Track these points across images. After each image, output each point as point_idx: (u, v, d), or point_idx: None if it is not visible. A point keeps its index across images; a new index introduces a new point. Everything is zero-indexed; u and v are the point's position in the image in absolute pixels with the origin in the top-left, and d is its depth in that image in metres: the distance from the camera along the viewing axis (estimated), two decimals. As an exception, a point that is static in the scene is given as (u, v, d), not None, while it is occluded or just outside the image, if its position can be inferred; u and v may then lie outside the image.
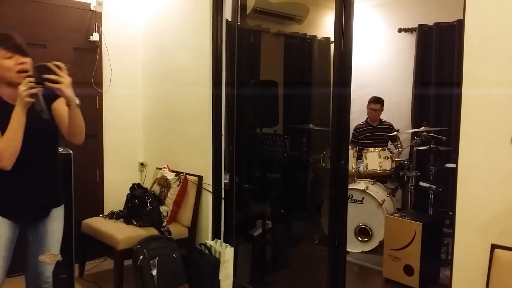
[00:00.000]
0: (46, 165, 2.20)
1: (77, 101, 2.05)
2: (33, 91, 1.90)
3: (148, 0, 4.05)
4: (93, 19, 3.86)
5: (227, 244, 3.29)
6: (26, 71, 2.01)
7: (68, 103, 2.00)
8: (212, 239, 3.43)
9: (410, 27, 5.14)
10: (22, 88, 1.90)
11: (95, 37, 3.84)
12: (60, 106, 2.13)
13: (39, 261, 2.20)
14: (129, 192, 3.57)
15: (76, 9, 3.79)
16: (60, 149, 2.97)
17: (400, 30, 5.22)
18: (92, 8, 3.85)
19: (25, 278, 2.30)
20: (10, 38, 2.03)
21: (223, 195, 3.47)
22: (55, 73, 1.93)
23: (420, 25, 5.01)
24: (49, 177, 2.22)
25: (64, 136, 2.18)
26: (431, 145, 4.06)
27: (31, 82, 1.90)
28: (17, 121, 1.93)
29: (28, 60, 2.05)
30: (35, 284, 2.26)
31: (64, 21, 3.73)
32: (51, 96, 2.08)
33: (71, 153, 2.99)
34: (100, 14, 3.89)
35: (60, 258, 2.29)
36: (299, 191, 4.58)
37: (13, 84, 2.00)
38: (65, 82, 1.94)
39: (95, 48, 3.88)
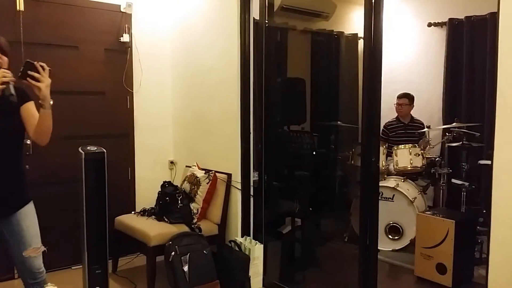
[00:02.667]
0: (12, 164, 2.26)
1: (51, 102, 2.18)
2: (6, 79, 2.06)
3: (177, 1, 4.11)
4: (123, 21, 3.94)
5: (257, 241, 3.31)
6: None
7: (42, 103, 2.14)
8: (242, 236, 3.46)
9: (440, 21, 5.03)
10: None
11: (125, 38, 3.92)
12: (29, 107, 2.27)
13: (24, 257, 2.26)
14: (160, 190, 3.63)
15: (106, 11, 3.87)
16: (94, 148, 3.08)
17: (429, 25, 5.12)
18: (122, 9, 3.93)
19: (19, 275, 2.38)
20: None
21: (252, 193, 3.49)
22: (38, 72, 2.09)
23: (451, 19, 4.90)
24: (15, 176, 2.28)
25: (30, 136, 2.28)
26: (464, 141, 3.97)
27: (5, 73, 2.06)
28: None
29: (5, 58, 2.19)
30: (30, 277, 2.32)
31: (95, 23, 3.82)
32: (23, 98, 2.22)
33: (104, 151, 3.06)
34: (130, 15, 3.96)
35: (44, 249, 2.33)
36: (328, 188, 4.55)
37: None
38: (45, 82, 2.11)
39: (126, 49, 3.95)
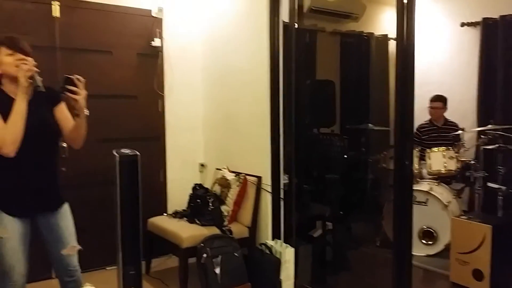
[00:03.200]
0: (49, 163, 2.35)
1: (86, 112, 2.28)
2: (29, 73, 2.13)
3: (207, 5, 4.15)
4: (155, 25, 4.00)
5: (288, 245, 3.30)
6: (24, 64, 2.18)
7: (79, 113, 2.26)
8: (272, 239, 3.45)
9: (473, 21, 4.91)
10: (20, 74, 2.12)
11: (156, 42, 3.98)
12: (63, 108, 2.37)
13: (62, 255, 2.35)
14: (191, 192, 3.66)
15: (138, 16, 3.94)
16: (127, 151, 3.13)
17: (462, 25, 5.00)
18: (153, 14, 3.99)
19: (55, 273, 2.46)
20: (13, 40, 2.24)
21: (282, 196, 3.48)
22: (76, 86, 2.20)
23: (485, 19, 4.77)
24: (52, 175, 2.36)
25: (64, 137, 2.38)
26: (500, 144, 3.86)
27: (28, 68, 2.12)
28: (19, 108, 2.11)
29: (29, 58, 2.21)
30: (67, 275, 2.42)
31: (128, 28, 3.89)
32: (55, 100, 2.32)
33: (138, 154, 3.10)
34: (160, 20, 4.02)
35: (80, 248, 2.42)
36: (359, 192, 4.50)
37: (15, 79, 2.17)
38: (82, 94, 2.22)
39: (157, 53, 4.01)
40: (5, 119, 2.12)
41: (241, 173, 3.61)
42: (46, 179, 2.32)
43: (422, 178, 4.23)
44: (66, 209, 2.41)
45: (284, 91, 3.45)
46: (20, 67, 2.14)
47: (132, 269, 3.04)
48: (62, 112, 2.37)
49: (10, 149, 2.09)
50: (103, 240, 3.45)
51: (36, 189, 2.27)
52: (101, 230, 3.54)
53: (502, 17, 4.60)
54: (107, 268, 3.68)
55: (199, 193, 3.57)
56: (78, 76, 2.22)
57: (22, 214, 2.24)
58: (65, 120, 2.35)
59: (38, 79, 2.17)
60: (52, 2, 3.51)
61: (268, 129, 3.47)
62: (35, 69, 2.17)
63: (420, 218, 3.89)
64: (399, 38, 2.68)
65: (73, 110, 2.29)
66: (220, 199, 3.57)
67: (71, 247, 2.37)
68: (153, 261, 3.75)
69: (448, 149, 4.14)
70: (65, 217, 2.39)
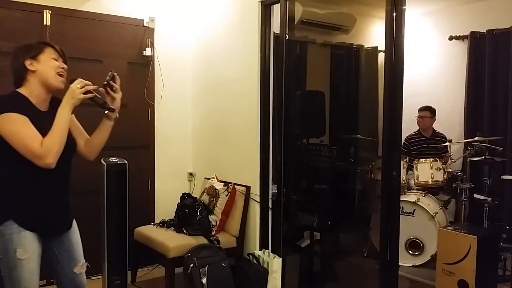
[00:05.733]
0: (68, 178, 2.19)
1: (117, 115, 2.18)
2: (90, 87, 1.99)
3: (199, 15, 4.18)
4: (146, 35, 4.01)
5: (275, 255, 3.30)
6: (62, 76, 2.07)
7: (110, 114, 2.15)
8: (260, 249, 3.45)
9: (461, 34, 5.00)
10: (76, 85, 1.97)
11: (147, 52, 3.99)
12: (75, 119, 2.21)
13: (75, 273, 2.20)
14: (179, 201, 3.65)
15: (130, 26, 3.95)
16: (116, 159, 3.13)
17: (451, 38, 5.09)
18: (145, 24, 4.01)
19: None
20: (56, 46, 2.10)
21: (270, 206, 3.49)
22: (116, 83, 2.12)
23: (472, 32, 4.86)
24: (68, 191, 2.21)
25: (79, 149, 2.21)
26: (486, 156, 3.91)
27: (84, 82, 1.99)
28: (65, 119, 1.96)
29: (66, 68, 2.11)
30: None
31: (119, 37, 3.90)
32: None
33: (126, 163, 3.11)
34: (152, 30, 4.04)
35: (88, 264, 2.29)
36: (347, 202, 4.52)
37: (49, 86, 2.03)
38: (120, 93, 2.16)
39: (148, 63, 4.03)
40: (40, 131, 1.93)
41: (229, 183, 3.61)
42: (65, 196, 2.18)
43: (409, 189, 4.26)
44: (75, 224, 2.26)
45: (274, 101, 3.48)
46: (78, 79, 2.00)
47: (117, 278, 3.03)
48: (74, 122, 2.19)
49: (54, 161, 1.90)
50: (89, 250, 3.38)
51: (59, 206, 2.13)
52: (87, 239, 3.48)
53: (489, 31, 4.70)
54: (92, 278, 3.60)
55: (187, 202, 3.56)
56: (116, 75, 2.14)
57: (43, 231, 2.06)
58: (79, 131, 2.20)
59: (99, 96, 2.03)
60: (43, 11, 3.51)
61: (257, 139, 3.49)
62: (93, 85, 2.00)
63: (407, 228, 3.91)
64: (388, 51, 2.72)
65: (105, 112, 2.15)
66: (208, 209, 3.57)
67: (82, 264, 2.24)
68: (139, 270, 3.72)
69: (436, 160, 4.18)
70: (76, 232, 2.25)
